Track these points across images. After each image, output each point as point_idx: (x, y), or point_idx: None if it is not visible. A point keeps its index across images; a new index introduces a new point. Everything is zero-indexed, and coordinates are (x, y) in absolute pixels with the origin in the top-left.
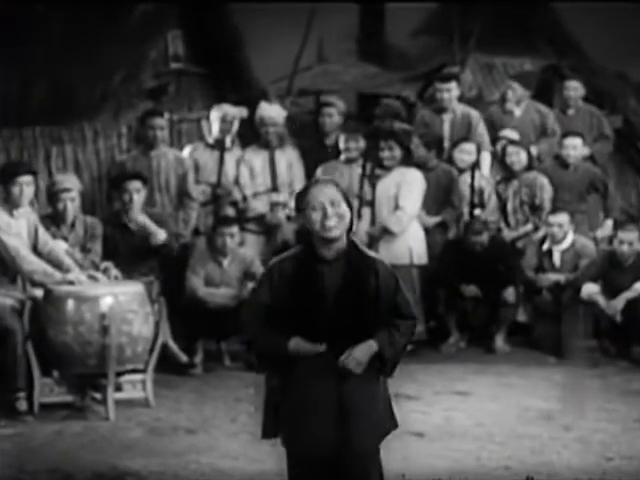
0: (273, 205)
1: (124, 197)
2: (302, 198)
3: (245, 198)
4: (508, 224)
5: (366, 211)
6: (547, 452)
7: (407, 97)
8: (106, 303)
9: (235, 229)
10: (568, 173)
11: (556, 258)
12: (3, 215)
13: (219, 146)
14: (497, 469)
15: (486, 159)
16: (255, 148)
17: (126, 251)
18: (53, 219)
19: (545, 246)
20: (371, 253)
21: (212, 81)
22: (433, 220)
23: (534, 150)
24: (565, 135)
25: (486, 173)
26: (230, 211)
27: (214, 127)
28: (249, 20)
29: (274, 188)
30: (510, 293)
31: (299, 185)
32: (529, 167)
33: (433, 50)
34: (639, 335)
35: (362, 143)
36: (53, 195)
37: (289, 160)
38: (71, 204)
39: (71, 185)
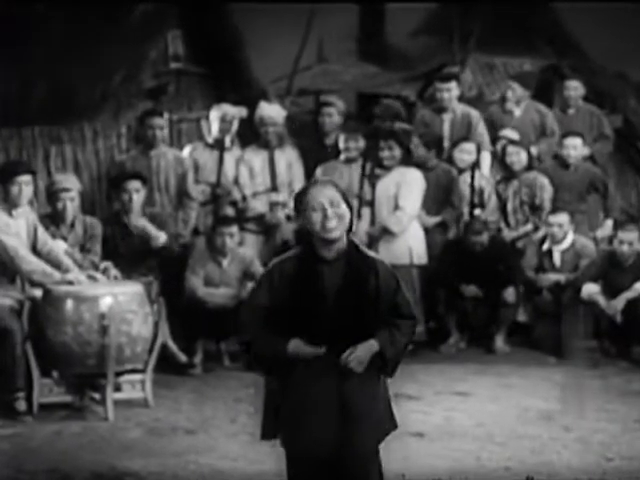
0: (272, 205)
1: (123, 197)
2: (301, 199)
3: (244, 198)
4: (508, 224)
5: (366, 211)
6: (547, 452)
7: (407, 97)
8: (105, 303)
9: (234, 229)
10: (568, 173)
11: (556, 258)
12: (2, 215)
13: (219, 146)
14: (497, 469)
15: (486, 159)
16: (255, 148)
17: (125, 251)
18: (52, 219)
19: (545, 246)
20: (371, 253)
21: (212, 81)
22: (433, 220)
23: (534, 150)
24: (565, 135)
25: (486, 173)
26: (229, 211)
27: (214, 127)
28: (249, 20)
29: (273, 188)
30: (510, 293)
31: (299, 185)
32: (529, 167)
33: (433, 50)
34: (639, 335)
35: (362, 143)
36: (52, 195)
37: (289, 160)
38: (70, 204)
39: (70, 185)
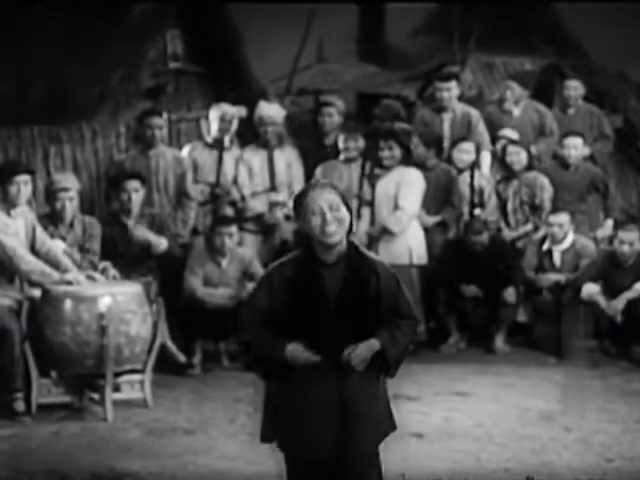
0: (272, 205)
1: (123, 197)
2: (300, 202)
3: (244, 198)
4: (508, 224)
5: (365, 211)
6: (547, 453)
7: (407, 97)
8: (104, 303)
9: (234, 229)
10: (568, 173)
11: (556, 258)
12: (0, 215)
13: (218, 145)
14: (497, 470)
15: (486, 159)
16: (254, 147)
17: (124, 251)
18: (51, 219)
19: (545, 246)
20: (372, 255)
21: (211, 80)
22: (433, 220)
23: (534, 150)
24: (565, 135)
25: (486, 173)
26: (229, 211)
27: (213, 126)
28: (248, 20)
29: (273, 188)
30: (510, 293)
31: (298, 185)
32: (529, 167)
33: (433, 50)
34: (639, 335)
35: (361, 143)
36: (51, 194)
37: (288, 160)
38: (69, 204)
39: (69, 185)
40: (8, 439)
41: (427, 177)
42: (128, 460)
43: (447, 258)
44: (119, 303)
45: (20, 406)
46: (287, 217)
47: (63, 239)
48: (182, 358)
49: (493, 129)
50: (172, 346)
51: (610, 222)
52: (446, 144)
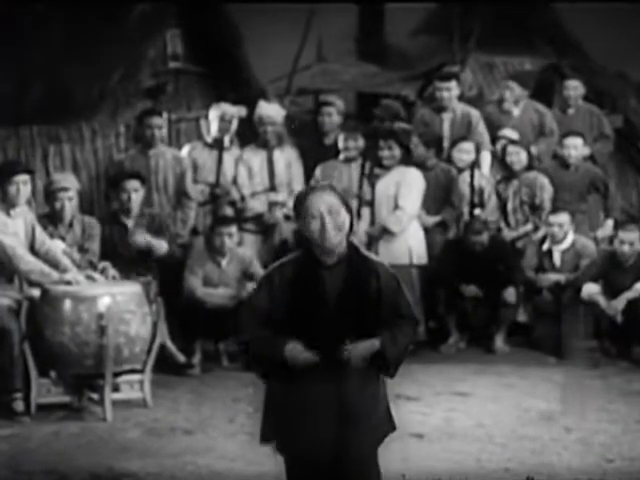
0: (271, 205)
1: (122, 196)
2: (300, 205)
3: (243, 198)
4: (508, 224)
5: (365, 211)
6: (547, 453)
7: (407, 96)
8: (104, 303)
9: (233, 229)
10: (568, 173)
11: (556, 258)
12: (0, 214)
13: (218, 145)
14: (497, 470)
15: (486, 158)
16: (253, 147)
17: (124, 251)
18: (51, 218)
19: (545, 246)
20: (372, 256)
21: (211, 80)
22: (433, 220)
23: (534, 150)
24: (565, 135)
25: (486, 172)
26: (228, 211)
27: (213, 126)
28: (248, 19)
29: (272, 188)
30: (510, 293)
31: (298, 185)
32: (529, 167)
33: (433, 50)
34: (639, 335)
35: (361, 142)
36: (51, 194)
37: (288, 159)
38: (69, 203)
39: (69, 184)
40: (7, 439)
41: (427, 177)
42: (127, 460)
43: (447, 258)
44: (118, 303)
45: (19, 406)
46: (287, 217)
47: (62, 239)
48: (182, 358)
49: (493, 129)
50: (172, 346)
51: (610, 222)
52: (446, 144)
